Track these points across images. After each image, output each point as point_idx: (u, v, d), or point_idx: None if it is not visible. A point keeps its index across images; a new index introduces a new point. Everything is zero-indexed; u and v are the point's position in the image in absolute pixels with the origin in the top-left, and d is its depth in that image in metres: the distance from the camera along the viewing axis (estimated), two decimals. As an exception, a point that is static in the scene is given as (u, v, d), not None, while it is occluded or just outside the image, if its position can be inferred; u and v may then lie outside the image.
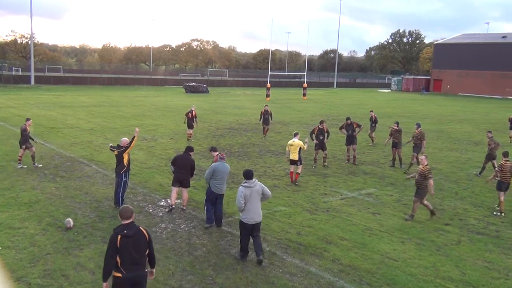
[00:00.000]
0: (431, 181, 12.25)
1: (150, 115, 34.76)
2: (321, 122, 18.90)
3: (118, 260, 6.55)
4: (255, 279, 8.80)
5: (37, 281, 8.34)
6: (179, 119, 33.00)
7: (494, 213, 13.45)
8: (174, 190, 12.61)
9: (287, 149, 16.00)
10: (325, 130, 18.74)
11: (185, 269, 9.15)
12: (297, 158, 15.69)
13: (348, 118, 19.66)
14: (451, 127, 34.18)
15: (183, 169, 12.42)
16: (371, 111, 25.83)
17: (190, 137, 24.44)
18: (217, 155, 11.94)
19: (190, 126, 24.35)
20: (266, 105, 26.92)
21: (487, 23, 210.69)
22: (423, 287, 8.75)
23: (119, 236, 6.53)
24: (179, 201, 13.05)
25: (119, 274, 6.56)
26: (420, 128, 18.85)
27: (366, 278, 9.04)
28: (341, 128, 20.09)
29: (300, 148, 15.69)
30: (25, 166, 16.65)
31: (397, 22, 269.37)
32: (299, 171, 16.05)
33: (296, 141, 15.69)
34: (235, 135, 26.48)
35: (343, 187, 15.81)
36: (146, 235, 6.75)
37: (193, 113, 24.49)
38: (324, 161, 19.00)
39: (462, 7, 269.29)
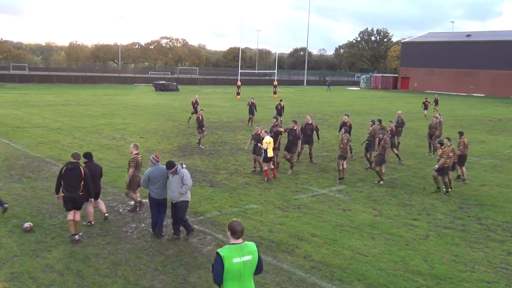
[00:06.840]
0: (131, 170, 12.04)
1: (119, 114, 34.26)
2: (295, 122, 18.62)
3: (63, 184, 10.04)
4: (228, 277, 8.78)
5: (4, 284, 8.14)
6: (149, 117, 32.78)
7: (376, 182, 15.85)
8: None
9: (264, 146, 16.31)
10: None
11: (156, 268, 9.07)
12: (272, 155, 16.06)
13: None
14: (418, 124, 34.84)
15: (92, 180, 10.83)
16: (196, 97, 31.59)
17: (252, 122, 30.36)
18: (152, 158, 10.96)
19: (250, 112, 30.32)
20: (252, 98, 32.11)
21: (452, 22, 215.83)
22: (393, 281, 8.90)
23: (65, 168, 10.12)
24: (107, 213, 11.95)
25: (63, 194, 10.07)
26: (374, 125, 18.72)
27: (337, 274, 9.15)
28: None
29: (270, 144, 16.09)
30: (203, 146, 21.72)
31: (363, 20, 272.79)
32: (271, 166, 16.49)
33: (267, 138, 16.11)
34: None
35: (314, 184, 15.94)
36: (82, 172, 10.10)
37: (250, 101, 30.37)
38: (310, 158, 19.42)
39: (425, 6, 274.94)
